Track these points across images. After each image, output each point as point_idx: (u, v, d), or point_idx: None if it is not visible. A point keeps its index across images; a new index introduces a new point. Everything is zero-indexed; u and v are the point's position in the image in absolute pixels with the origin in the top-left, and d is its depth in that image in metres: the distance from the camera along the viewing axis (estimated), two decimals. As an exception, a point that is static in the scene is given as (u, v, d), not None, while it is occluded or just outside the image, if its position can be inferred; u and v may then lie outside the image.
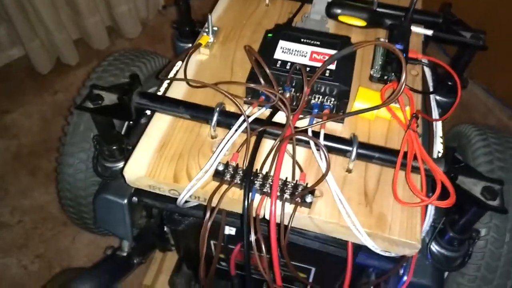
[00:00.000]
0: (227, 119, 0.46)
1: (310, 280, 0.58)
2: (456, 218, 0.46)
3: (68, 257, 0.99)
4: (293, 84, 0.48)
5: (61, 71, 1.33)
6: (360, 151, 0.43)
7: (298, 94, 0.48)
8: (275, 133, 0.45)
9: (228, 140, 0.44)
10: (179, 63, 0.55)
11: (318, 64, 0.48)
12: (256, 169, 0.43)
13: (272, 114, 0.47)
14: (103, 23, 1.35)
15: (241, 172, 0.42)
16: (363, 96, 0.49)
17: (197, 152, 0.46)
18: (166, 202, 0.51)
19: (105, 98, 0.47)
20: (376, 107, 0.47)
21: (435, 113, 0.57)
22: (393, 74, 0.52)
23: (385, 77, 0.52)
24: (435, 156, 0.52)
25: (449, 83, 0.63)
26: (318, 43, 0.51)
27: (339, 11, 0.58)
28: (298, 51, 0.50)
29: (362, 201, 0.43)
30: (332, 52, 0.50)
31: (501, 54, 1.01)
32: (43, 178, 1.10)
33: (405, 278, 0.47)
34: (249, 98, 0.49)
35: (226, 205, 0.44)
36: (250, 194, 0.41)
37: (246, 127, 0.44)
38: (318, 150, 0.44)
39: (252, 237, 0.41)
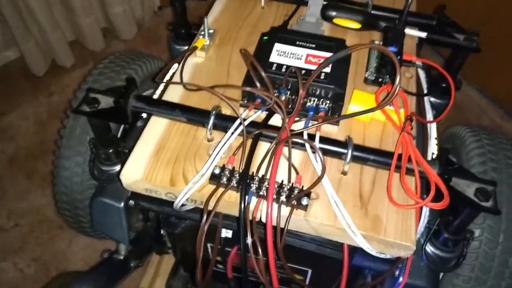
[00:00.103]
0: (223, 122, 0.46)
1: (307, 282, 0.58)
2: (451, 219, 0.47)
3: (64, 261, 0.99)
4: (289, 87, 0.48)
5: (56, 72, 1.32)
6: (355, 153, 0.44)
7: (293, 97, 0.48)
8: (271, 136, 0.45)
9: (225, 143, 0.44)
10: (175, 65, 0.55)
11: (314, 67, 0.48)
12: (252, 172, 0.43)
13: (268, 117, 0.47)
14: (98, 24, 1.35)
15: (237, 175, 0.43)
16: (358, 99, 0.49)
17: (194, 155, 0.46)
18: (163, 205, 0.51)
19: (101, 101, 0.47)
20: (371, 110, 0.47)
21: (429, 115, 0.57)
22: (387, 76, 0.53)
23: (380, 80, 0.53)
24: (429, 157, 0.53)
25: (443, 84, 0.63)
26: (313, 45, 0.51)
27: (334, 13, 0.58)
28: (293, 54, 0.50)
29: (358, 203, 0.43)
30: (327, 54, 0.50)
31: (494, 55, 1.02)
32: (40, 180, 1.10)
33: (400, 279, 0.48)
34: (245, 101, 0.49)
35: (222, 208, 0.44)
36: (247, 197, 0.41)
37: (242, 130, 0.44)
38: (313, 152, 0.44)
39: (249, 240, 0.41)
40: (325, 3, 0.60)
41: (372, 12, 0.61)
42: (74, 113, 0.52)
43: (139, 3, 1.41)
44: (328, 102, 0.48)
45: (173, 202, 0.45)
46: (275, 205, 0.41)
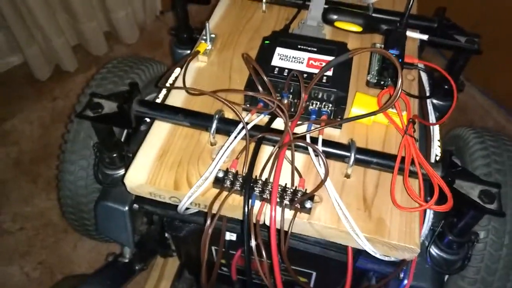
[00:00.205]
0: (226, 126, 0.46)
1: (311, 284, 0.58)
2: (455, 221, 0.47)
3: (69, 264, 0.99)
4: (291, 90, 0.48)
5: (59, 77, 1.33)
6: (358, 156, 0.44)
7: (296, 101, 0.48)
8: (274, 139, 0.45)
9: (228, 147, 0.44)
10: (178, 70, 0.56)
11: (315, 71, 0.48)
12: (256, 176, 0.43)
13: (271, 121, 0.48)
14: (101, 29, 1.36)
15: (240, 178, 0.43)
16: (360, 102, 0.50)
17: (197, 159, 0.46)
18: (167, 209, 0.51)
19: (105, 106, 0.48)
20: (373, 113, 0.47)
21: (432, 117, 0.57)
22: (389, 79, 0.53)
23: (382, 82, 0.53)
24: (433, 159, 0.53)
25: (446, 86, 0.63)
26: (315, 49, 0.51)
27: (335, 17, 0.58)
28: (295, 58, 0.50)
29: (361, 206, 0.43)
30: (329, 58, 0.50)
31: (497, 56, 1.01)
32: (44, 184, 1.11)
33: (405, 282, 0.48)
34: (248, 105, 0.49)
35: (226, 212, 0.45)
36: (250, 200, 0.41)
37: (245, 134, 0.45)
38: (316, 156, 0.44)
39: (253, 243, 0.41)
40: (326, 6, 0.60)
41: (373, 15, 0.61)
42: (78, 118, 0.52)
43: (141, 7, 1.42)
44: (330, 105, 0.48)
45: (177, 206, 0.45)
46: (278, 208, 0.42)
